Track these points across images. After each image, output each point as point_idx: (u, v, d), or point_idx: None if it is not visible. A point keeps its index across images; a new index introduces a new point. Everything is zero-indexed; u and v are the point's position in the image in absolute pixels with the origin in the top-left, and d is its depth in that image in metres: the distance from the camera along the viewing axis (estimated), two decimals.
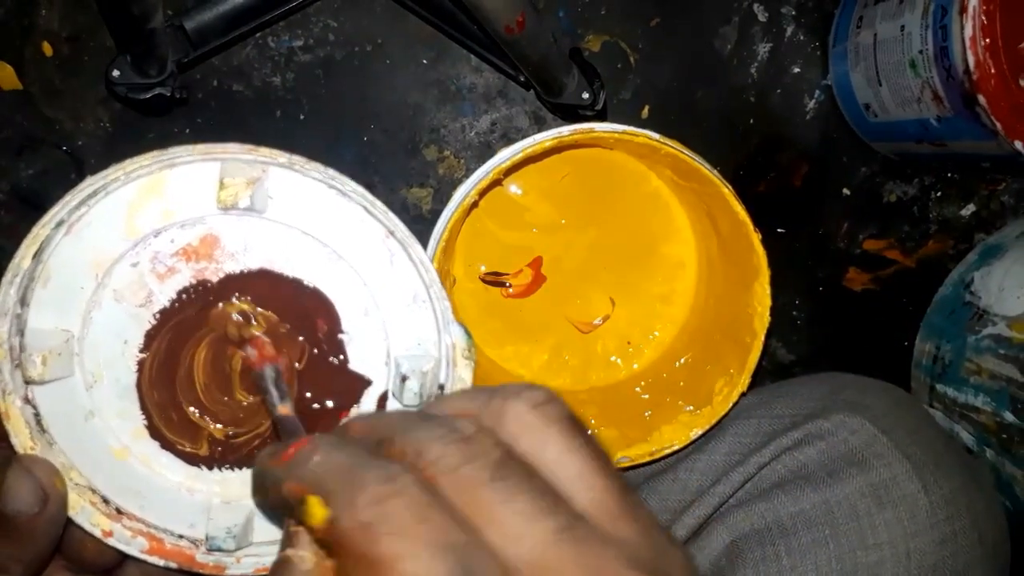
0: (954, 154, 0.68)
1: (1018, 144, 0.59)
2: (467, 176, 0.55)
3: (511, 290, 0.66)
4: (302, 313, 0.40)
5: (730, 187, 0.54)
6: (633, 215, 0.66)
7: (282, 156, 0.37)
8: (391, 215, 0.38)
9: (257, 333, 0.39)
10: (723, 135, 0.77)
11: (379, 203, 0.38)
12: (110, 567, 0.38)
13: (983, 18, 0.57)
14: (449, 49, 0.72)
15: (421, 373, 0.39)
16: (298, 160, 0.37)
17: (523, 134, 0.74)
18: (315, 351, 0.40)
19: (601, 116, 0.69)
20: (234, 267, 0.39)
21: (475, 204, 0.56)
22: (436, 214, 0.55)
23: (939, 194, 0.81)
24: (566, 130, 0.53)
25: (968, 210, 0.81)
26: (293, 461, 0.23)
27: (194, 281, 0.39)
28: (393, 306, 0.40)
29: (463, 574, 0.19)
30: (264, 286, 0.39)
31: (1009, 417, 0.66)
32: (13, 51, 0.68)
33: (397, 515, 0.20)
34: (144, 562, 0.37)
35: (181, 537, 0.38)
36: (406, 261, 0.39)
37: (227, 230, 0.38)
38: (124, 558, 0.38)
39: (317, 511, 0.21)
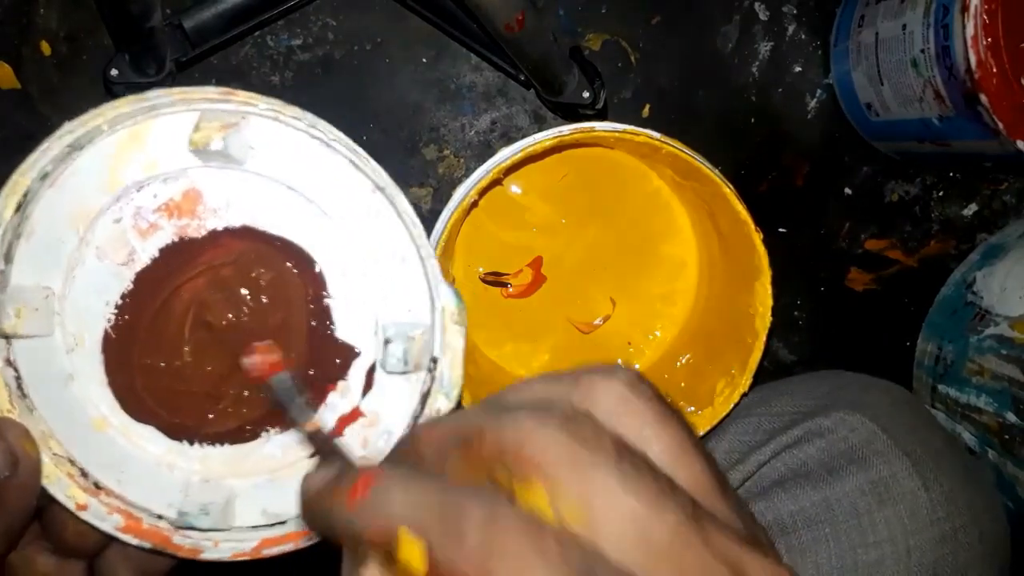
0: (956, 153, 0.68)
1: (1020, 143, 0.59)
2: (467, 175, 0.55)
3: (511, 290, 0.66)
4: (287, 273, 0.38)
5: (731, 186, 0.54)
6: (634, 215, 0.66)
7: (261, 100, 0.36)
8: (377, 167, 0.37)
9: (258, 344, 0.36)
10: (724, 134, 0.77)
11: (361, 151, 0.37)
12: (93, 552, 0.37)
13: (985, 17, 0.57)
14: (449, 48, 0.72)
15: (407, 338, 0.37)
16: (276, 103, 0.36)
17: (523, 133, 0.74)
18: (301, 317, 0.38)
19: (601, 115, 0.68)
20: (217, 224, 0.37)
21: (475, 204, 0.56)
22: (436, 214, 0.55)
23: (941, 193, 0.81)
24: (566, 129, 0.52)
25: (970, 210, 0.81)
26: (370, 503, 0.21)
27: (176, 239, 0.37)
28: (381, 268, 0.38)
29: None
30: (247, 245, 0.38)
31: (1011, 418, 0.66)
32: (11, 50, 0.67)
33: (509, 548, 0.19)
34: (126, 546, 0.36)
35: (160, 518, 0.37)
36: (394, 218, 0.37)
37: (209, 185, 0.37)
38: (109, 541, 0.36)
39: (415, 553, 0.20)
